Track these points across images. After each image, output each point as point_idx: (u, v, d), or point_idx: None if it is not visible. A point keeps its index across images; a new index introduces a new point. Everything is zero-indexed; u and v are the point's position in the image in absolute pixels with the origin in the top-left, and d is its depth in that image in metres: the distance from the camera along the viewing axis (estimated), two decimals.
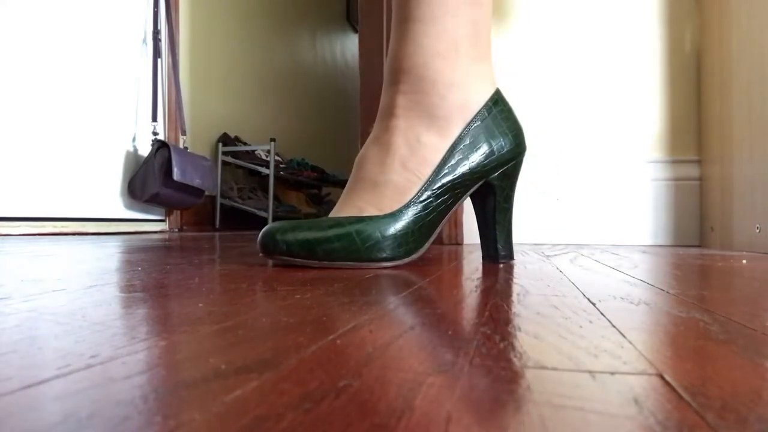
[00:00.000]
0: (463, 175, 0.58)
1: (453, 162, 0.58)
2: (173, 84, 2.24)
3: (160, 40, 2.17)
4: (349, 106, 4.47)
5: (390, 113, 0.60)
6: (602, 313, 0.29)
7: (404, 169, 0.57)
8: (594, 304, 0.32)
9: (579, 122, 1.29)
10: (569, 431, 0.13)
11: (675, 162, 1.25)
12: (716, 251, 1.00)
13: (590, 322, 0.27)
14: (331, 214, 0.58)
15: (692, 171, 1.24)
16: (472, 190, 0.61)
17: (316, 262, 0.54)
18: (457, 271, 0.55)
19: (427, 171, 0.57)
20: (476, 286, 0.41)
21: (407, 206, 0.56)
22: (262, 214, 2.73)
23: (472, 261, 0.67)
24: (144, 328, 0.24)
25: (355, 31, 4.55)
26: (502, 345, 0.22)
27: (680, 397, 0.16)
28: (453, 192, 0.58)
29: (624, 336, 0.24)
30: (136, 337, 0.22)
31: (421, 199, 0.57)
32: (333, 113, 4.25)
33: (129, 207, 2.04)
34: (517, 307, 0.31)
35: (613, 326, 0.26)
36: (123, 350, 0.20)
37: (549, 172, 1.29)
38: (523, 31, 1.31)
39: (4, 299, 0.32)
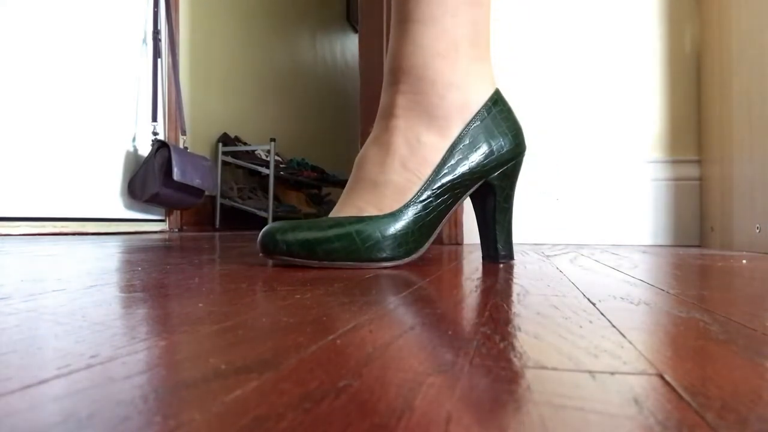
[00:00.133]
0: (463, 175, 0.58)
1: (453, 162, 0.58)
2: (173, 84, 2.24)
3: (160, 40, 2.17)
4: (349, 106, 4.47)
5: (390, 113, 0.60)
6: (602, 313, 0.29)
7: (404, 169, 0.57)
8: (594, 304, 0.32)
9: (579, 122, 1.29)
10: (569, 431, 0.13)
11: (675, 162, 1.25)
12: (716, 251, 1.00)
13: (590, 322, 0.27)
14: (331, 214, 0.58)
15: (692, 171, 1.24)
16: (471, 190, 0.61)
17: (316, 262, 0.54)
18: (457, 271, 0.55)
19: (427, 171, 0.57)
20: (476, 286, 0.41)
21: (407, 206, 0.56)
22: (262, 214, 2.73)
23: (472, 261, 0.67)
24: (144, 328, 0.24)
25: (355, 31, 4.55)
26: (502, 345, 0.22)
27: (680, 397, 0.16)
28: (453, 192, 0.58)
29: (624, 336, 0.24)
30: (136, 337, 0.22)
31: (421, 199, 0.57)
32: (333, 113, 4.25)
33: (129, 207, 2.04)
34: (517, 307, 0.31)
35: (613, 326, 0.26)
36: (123, 350, 0.20)
37: (549, 172, 1.29)
38: (523, 31, 1.31)
39: (4, 299, 0.32)
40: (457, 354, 0.20)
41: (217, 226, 2.66)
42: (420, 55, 0.59)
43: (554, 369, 0.18)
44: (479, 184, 0.61)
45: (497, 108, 0.61)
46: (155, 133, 2.09)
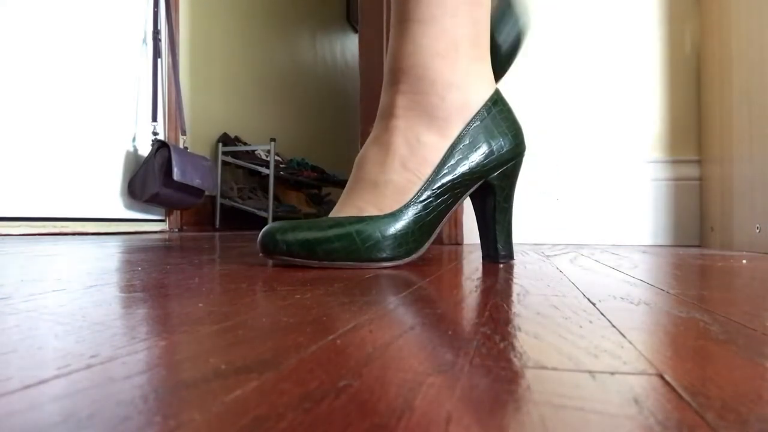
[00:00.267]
0: (463, 174, 0.58)
1: (453, 162, 0.58)
2: (173, 84, 2.24)
3: (160, 40, 2.17)
4: (349, 106, 4.47)
5: (390, 113, 0.60)
6: (602, 313, 0.29)
7: (404, 169, 0.57)
8: (594, 304, 0.32)
9: (579, 122, 1.29)
10: (569, 431, 0.13)
11: (675, 162, 1.25)
12: (716, 251, 1.00)
13: (590, 322, 0.27)
14: (331, 214, 0.58)
15: (692, 171, 1.24)
16: (471, 190, 0.61)
17: (316, 262, 0.54)
18: (457, 271, 0.55)
19: (427, 171, 0.57)
20: (476, 286, 0.41)
21: (407, 206, 0.56)
22: (262, 214, 2.73)
23: (472, 261, 0.67)
24: (144, 328, 0.24)
25: (355, 31, 4.55)
26: (502, 345, 0.22)
27: (680, 397, 0.16)
28: (453, 192, 0.58)
29: (624, 336, 0.24)
30: (136, 337, 0.22)
31: (421, 199, 0.57)
32: (333, 113, 4.25)
33: (129, 207, 2.04)
34: (517, 307, 0.31)
35: (613, 326, 0.26)
36: (123, 350, 0.20)
37: (549, 172, 1.29)
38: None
39: (4, 299, 0.32)
40: (457, 354, 0.20)
41: (217, 226, 2.66)
42: (420, 55, 0.59)
43: (554, 369, 0.18)
44: (479, 184, 0.61)
45: (497, 108, 0.61)
46: (155, 133, 2.09)
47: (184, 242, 1.18)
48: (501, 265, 0.60)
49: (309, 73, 3.83)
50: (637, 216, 1.25)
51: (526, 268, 0.57)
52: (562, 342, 0.22)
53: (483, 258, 0.66)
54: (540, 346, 0.22)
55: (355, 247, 0.54)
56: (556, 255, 0.81)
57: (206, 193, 2.19)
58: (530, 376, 0.18)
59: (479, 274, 0.51)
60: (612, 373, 0.18)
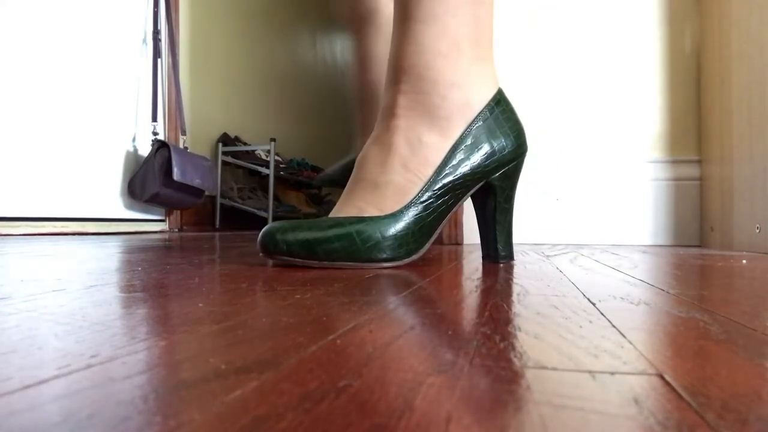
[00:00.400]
0: (464, 175, 0.58)
1: (454, 162, 0.58)
2: (173, 84, 2.24)
3: (160, 40, 2.17)
4: (349, 106, 4.47)
5: (391, 113, 0.60)
6: (602, 313, 0.29)
7: (405, 169, 0.57)
8: (594, 304, 0.32)
9: (579, 122, 1.28)
10: (569, 431, 0.13)
11: (675, 162, 1.25)
12: (716, 251, 1.00)
13: (590, 322, 0.27)
14: (332, 214, 0.58)
15: (692, 171, 1.24)
16: (473, 191, 0.61)
17: (316, 262, 0.54)
18: (457, 271, 0.55)
19: (428, 171, 0.57)
20: (476, 286, 0.41)
21: (408, 207, 0.56)
22: (262, 214, 2.73)
23: (472, 261, 0.67)
24: (144, 328, 0.24)
25: None
26: (502, 345, 0.22)
27: (680, 397, 0.16)
28: (454, 192, 0.58)
29: (624, 336, 0.24)
30: (136, 337, 0.22)
31: (422, 199, 0.57)
32: (333, 113, 4.25)
33: (129, 207, 2.04)
34: (517, 307, 0.31)
35: (613, 326, 0.26)
36: (123, 350, 0.20)
37: (549, 172, 1.29)
38: (523, 30, 1.31)
39: (4, 299, 0.32)
40: (457, 354, 0.20)
41: (217, 226, 2.66)
42: (421, 55, 0.58)
43: (554, 369, 0.18)
44: (480, 184, 0.61)
45: (500, 108, 0.60)
46: (155, 133, 2.09)
47: (184, 242, 1.18)
48: (501, 265, 0.60)
49: (309, 73, 3.83)
50: (637, 216, 1.25)
51: (526, 268, 0.57)
52: (562, 342, 0.22)
53: (483, 258, 0.66)
54: (540, 346, 0.22)
55: (355, 247, 0.54)
56: (556, 255, 0.81)
57: (206, 193, 2.19)
58: (530, 376, 0.18)
59: (479, 274, 0.51)
60: (612, 373, 0.18)
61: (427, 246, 0.59)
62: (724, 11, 1.11)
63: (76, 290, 0.36)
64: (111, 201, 1.97)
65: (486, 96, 0.60)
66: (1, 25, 1.57)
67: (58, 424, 0.13)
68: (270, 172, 2.73)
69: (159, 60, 2.16)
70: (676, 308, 0.31)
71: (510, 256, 0.64)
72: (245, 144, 2.88)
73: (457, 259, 0.71)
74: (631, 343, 0.22)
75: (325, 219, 0.56)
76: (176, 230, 2.25)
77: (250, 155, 2.81)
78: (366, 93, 1.04)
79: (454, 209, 0.60)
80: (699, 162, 1.24)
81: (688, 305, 0.32)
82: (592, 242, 1.26)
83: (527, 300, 0.34)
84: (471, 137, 0.59)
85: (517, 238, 1.28)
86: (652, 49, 1.26)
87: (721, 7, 1.12)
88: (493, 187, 0.61)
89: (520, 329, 0.25)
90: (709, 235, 1.17)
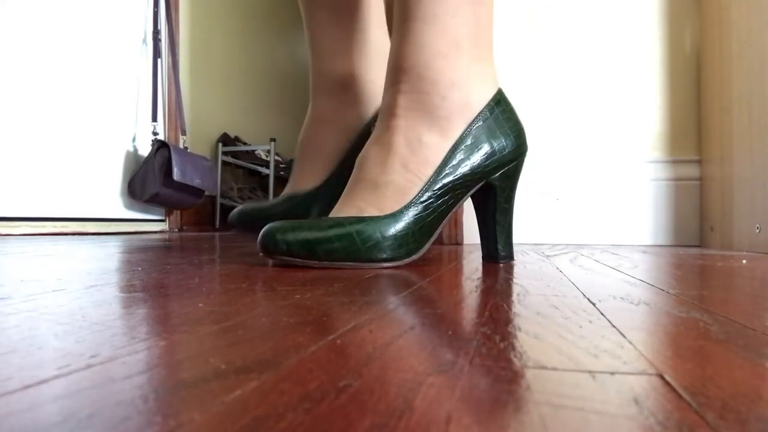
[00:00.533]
0: (464, 175, 0.58)
1: (454, 162, 0.58)
2: (173, 84, 2.24)
3: (160, 40, 2.17)
4: None
5: (391, 113, 0.60)
6: (602, 313, 0.29)
7: (405, 169, 0.57)
8: (594, 304, 0.32)
9: (579, 122, 1.28)
10: (569, 431, 0.13)
11: (675, 162, 1.25)
12: (716, 251, 1.00)
13: (590, 322, 0.27)
14: (332, 214, 0.58)
15: (692, 171, 1.24)
16: (473, 191, 0.61)
17: (316, 262, 0.54)
18: (457, 271, 0.55)
19: (428, 171, 0.57)
20: (476, 286, 0.41)
21: (408, 207, 0.56)
22: None
23: (472, 261, 0.67)
24: (144, 328, 0.24)
25: None
26: (502, 345, 0.22)
27: (680, 397, 0.16)
28: (454, 192, 0.58)
29: (624, 336, 0.24)
30: (136, 337, 0.22)
31: (422, 199, 0.57)
32: None
33: (129, 207, 2.04)
34: (517, 307, 0.31)
35: (613, 326, 0.26)
36: (123, 350, 0.20)
37: (549, 172, 1.29)
38: (524, 31, 1.31)
39: (4, 299, 0.32)
40: (457, 354, 0.20)
41: (217, 226, 2.66)
42: (421, 55, 0.58)
43: (554, 369, 0.18)
44: (480, 184, 0.61)
45: (500, 108, 0.60)
46: (155, 133, 2.09)
47: (184, 242, 1.18)
48: (501, 265, 0.60)
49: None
50: (637, 216, 1.25)
51: (526, 268, 0.57)
52: (562, 342, 0.22)
53: (483, 258, 0.66)
54: (540, 346, 0.22)
55: (355, 247, 0.54)
56: (556, 255, 0.81)
57: (206, 193, 2.19)
58: (530, 376, 0.18)
59: (479, 274, 0.51)
60: (612, 373, 0.18)
61: (427, 246, 0.59)
62: (724, 11, 1.11)
63: (76, 290, 0.36)
64: (111, 201, 1.97)
65: (486, 96, 0.60)
66: (1, 25, 1.57)
67: (58, 424, 0.13)
68: (270, 172, 2.73)
69: (159, 60, 2.16)
70: (676, 308, 0.31)
71: (510, 256, 0.64)
72: (245, 144, 2.88)
73: (457, 259, 0.71)
74: (631, 343, 0.22)
75: (325, 219, 0.56)
76: (176, 230, 2.25)
77: (250, 155, 2.81)
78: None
79: (454, 209, 0.60)
80: (699, 162, 1.24)
81: (688, 305, 0.32)
82: (592, 242, 1.26)
83: (527, 300, 0.34)
84: (471, 137, 0.59)
85: (517, 238, 1.28)
86: (652, 49, 1.26)
87: (721, 7, 1.12)
88: (493, 187, 0.61)
89: (520, 329, 0.25)
90: (709, 235, 1.17)
